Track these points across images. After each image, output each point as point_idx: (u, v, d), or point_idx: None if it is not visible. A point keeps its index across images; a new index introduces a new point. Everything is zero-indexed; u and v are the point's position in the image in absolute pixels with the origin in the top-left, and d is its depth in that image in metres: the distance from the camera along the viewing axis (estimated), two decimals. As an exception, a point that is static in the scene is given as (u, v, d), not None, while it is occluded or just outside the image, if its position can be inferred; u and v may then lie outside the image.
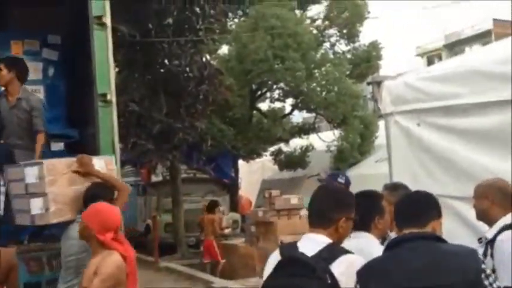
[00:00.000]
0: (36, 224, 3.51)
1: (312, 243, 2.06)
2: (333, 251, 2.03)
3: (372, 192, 2.75)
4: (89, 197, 3.29)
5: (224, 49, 15.22)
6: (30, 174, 3.46)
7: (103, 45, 4.23)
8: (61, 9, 4.84)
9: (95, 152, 4.27)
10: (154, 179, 14.03)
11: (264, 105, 16.47)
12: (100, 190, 3.42)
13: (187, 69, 10.55)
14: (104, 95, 4.21)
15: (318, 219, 2.16)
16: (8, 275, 2.51)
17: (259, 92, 15.56)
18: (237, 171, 15.62)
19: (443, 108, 3.86)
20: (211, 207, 10.28)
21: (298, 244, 2.11)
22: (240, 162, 15.75)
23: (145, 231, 13.40)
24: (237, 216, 13.62)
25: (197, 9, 10.34)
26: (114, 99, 4.29)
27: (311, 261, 1.96)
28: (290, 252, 2.06)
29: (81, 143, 4.83)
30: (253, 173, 17.84)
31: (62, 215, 3.43)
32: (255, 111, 15.60)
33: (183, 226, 12.08)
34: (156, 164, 12.10)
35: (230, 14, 14.75)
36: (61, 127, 4.89)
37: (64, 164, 3.54)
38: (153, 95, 11.06)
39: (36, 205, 3.41)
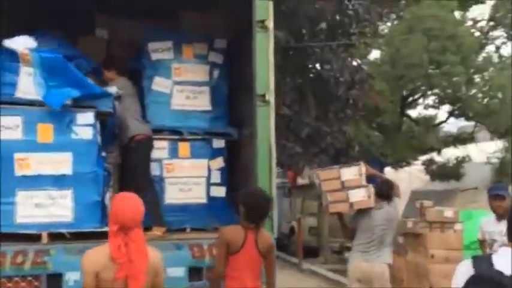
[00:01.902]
0: (355, 207, 4.87)
1: (509, 261, 1.86)
2: None
3: None
4: (383, 192, 4.88)
5: (375, 53, 14.89)
6: (348, 172, 4.87)
7: (264, 47, 4.39)
8: (227, 14, 5.15)
9: (252, 150, 4.46)
10: (300, 181, 14.22)
11: (414, 112, 15.74)
12: (386, 187, 4.93)
13: (338, 73, 10.49)
14: (263, 96, 4.37)
15: None
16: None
17: (411, 98, 14.89)
18: (384, 179, 15.11)
19: None
20: None
21: (494, 259, 1.90)
22: (387, 169, 15.22)
23: (290, 232, 13.65)
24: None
25: (351, 13, 10.25)
26: (272, 100, 4.44)
27: (508, 284, 1.77)
28: (484, 269, 1.87)
29: (240, 142, 5.08)
30: (399, 182, 17.06)
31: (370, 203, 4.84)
32: (405, 118, 14.97)
33: (328, 230, 12.03)
34: (303, 167, 12.25)
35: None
36: (223, 126, 5.18)
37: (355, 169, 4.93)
38: (303, 99, 11.25)
39: (355, 195, 4.80)
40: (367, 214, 4.86)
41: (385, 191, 4.94)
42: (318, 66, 11.16)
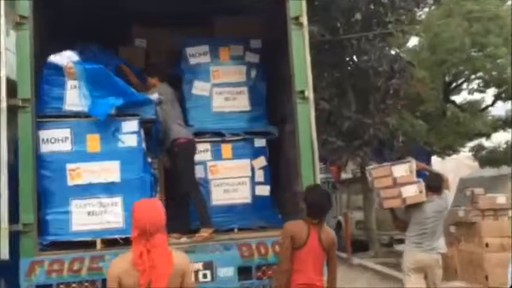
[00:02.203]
0: (408, 203, 5.00)
1: None
2: None
3: None
4: (433, 185, 4.98)
5: (414, 40, 14.54)
6: (399, 169, 5.08)
7: (300, 43, 4.40)
8: (260, 14, 5.17)
9: (294, 147, 4.46)
10: (344, 176, 14.08)
11: (458, 98, 15.27)
12: (435, 180, 5.03)
13: (377, 64, 10.31)
14: (302, 92, 4.37)
15: None
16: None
17: (454, 84, 14.47)
18: (430, 168, 14.76)
19: None
20: None
21: None
22: (434, 158, 14.84)
23: (337, 227, 13.54)
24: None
25: (386, 1, 10.05)
26: (311, 96, 4.43)
27: None
28: None
29: (281, 139, 5.09)
30: (447, 171, 16.61)
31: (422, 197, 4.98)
32: (449, 104, 14.56)
33: (376, 224, 11.86)
34: (346, 161, 12.12)
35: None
36: (263, 125, 5.22)
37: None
38: (342, 93, 11.13)
39: (407, 191, 4.98)
40: (419, 207, 4.99)
41: (435, 184, 5.06)
42: (355, 58, 11.01)
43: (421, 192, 4.96)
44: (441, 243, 5.29)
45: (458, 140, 13.81)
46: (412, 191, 4.97)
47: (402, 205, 5.10)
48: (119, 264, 2.65)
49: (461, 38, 11.86)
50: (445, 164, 16.10)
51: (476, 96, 14.58)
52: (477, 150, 13.96)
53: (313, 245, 3.54)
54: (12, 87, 3.90)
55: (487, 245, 7.47)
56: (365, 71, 10.50)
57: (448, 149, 14.10)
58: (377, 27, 10.36)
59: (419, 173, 5.14)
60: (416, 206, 4.99)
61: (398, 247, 11.43)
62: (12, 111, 3.85)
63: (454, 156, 15.09)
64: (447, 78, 13.91)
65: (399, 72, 10.61)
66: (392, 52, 11.22)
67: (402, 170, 5.07)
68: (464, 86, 14.41)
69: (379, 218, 11.85)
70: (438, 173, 5.36)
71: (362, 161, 12.05)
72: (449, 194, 5.63)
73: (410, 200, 5.00)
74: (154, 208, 2.70)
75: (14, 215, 3.75)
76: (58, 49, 4.29)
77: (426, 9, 14.77)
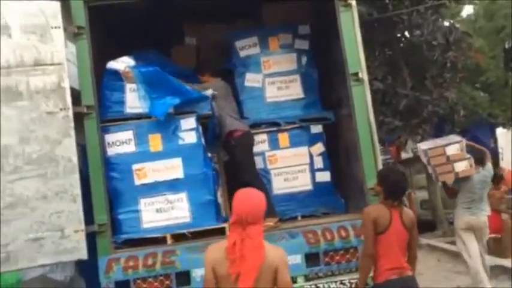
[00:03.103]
0: (460, 176, 5.81)
1: None
2: None
3: None
4: (479, 159, 5.95)
5: (468, 9, 13.91)
6: (452, 148, 5.86)
7: (350, 25, 4.33)
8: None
9: (352, 131, 4.42)
10: (404, 155, 13.75)
11: (522, 64, 14.45)
12: (480, 155, 6.02)
13: (430, 37, 9.96)
14: (356, 74, 4.31)
15: None
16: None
17: (515, 50, 13.72)
18: (496, 141, 14.13)
19: None
20: (498, 179, 9.09)
21: None
22: (499, 130, 14.19)
23: (401, 209, 13.28)
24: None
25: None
26: (366, 77, 4.36)
27: None
28: None
29: (338, 124, 5.05)
30: (514, 142, 15.88)
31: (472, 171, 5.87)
32: (511, 73, 13.84)
33: (441, 202, 11.52)
34: (406, 141, 11.83)
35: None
36: (318, 111, 5.18)
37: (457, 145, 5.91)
38: (396, 71, 10.84)
39: (460, 166, 5.79)
40: (467, 178, 5.91)
41: (480, 158, 6.04)
42: (406, 34, 10.68)
43: (471, 166, 5.82)
44: (486, 207, 6.10)
45: (525, 109, 13.11)
46: (464, 166, 5.82)
47: (455, 178, 5.89)
48: (213, 252, 2.68)
49: (520, 1, 11.24)
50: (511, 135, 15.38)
51: (541, 60, 13.77)
52: (546, 118, 13.24)
53: (397, 227, 3.49)
54: (76, 96, 4.10)
55: None
56: (418, 45, 10.18)
57: (513, 120, 13.42)
58: (428, -1, 10.00)
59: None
60: (465, 177, 5.87)
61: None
62: (78, 118, 4.05)
63: (521, 126, 14.33)
64: (507, 45, 13.23)
65: (455, 43, 10.22)
66: (446, 23, 10.79)
67: (454, 148, 5.87)
68: (527, 51, 13.64)
69: (443, 197, 11.49)
70: (482, 149, 6.27)
71: (422, 139, 11.71)
72: (491, 166, 6.27)
73: (462, 174, 5.83)
74: (254, 198, 2.70)
75: (88, 217, 3.96)
76: (115, 55, 4.46)
77: (479, -25, 14.10)
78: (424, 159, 5.98)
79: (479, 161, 5.99)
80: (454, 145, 5.88)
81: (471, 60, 11.02)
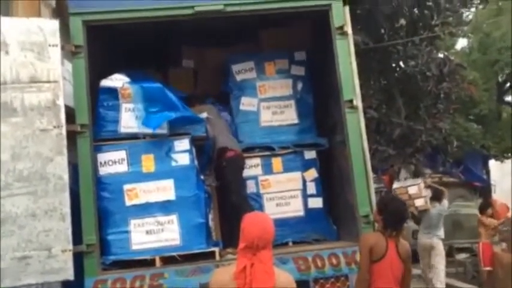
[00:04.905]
0: (419, 209, 8.14)
1: None
2: None
3: None
4: (436, 197, 8.19)
5: (462, 42, 14.15)
6: (413, 188, 8.30)
7: (346, 53, 4.38)
8: (303, 26, 5.20)
9: (346, 158, 4.42)
10: (394, 187, 13.73)
11: (515, 98, 14.64)
12: (437, 193, 8.21)
13: (425, 68, 10.08)
14: (351, 101, 4.34)
15: None
16: None
17: (508, 84, 13.92)
18: (488, 173, 14.19)
19: None
20: (483, 208, 9.25)
21: None
22: (492, 162, 14.28)
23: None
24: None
25: (431, 4, 9.84)
26: (360, 105, 4.39)
27: None
28: None
29: (332, 150, 5.05)
30: (507, 175, 15.96)
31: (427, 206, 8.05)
32: (504, 105, 14.00)
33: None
34: (399, 170, 11.84)
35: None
36: (312, 136, 5.20)
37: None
38: (390, 100, 10.91)
39: (418, 202, 8.12)
40: (426, 211, 8.08)
41: (437, 196, 8.15)
42: (401, 64, 10.80)
43: (426, 202, 8.05)
44: (441, 233, 8.03)
45: (517, 141, 13.20)
46: (421, 202, 8.09)
47: (416, 211, 8.03)
48: (220, 276, 2.62)
49: (514, 36, 11.44)
50: (504, 168, 15.46)
51: (533, 94, 13.98)
52: (538, 152, 13.33)
53: (392, 257, 3.47)
54: (70, 114, 4.09)
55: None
56: (413, 76, 10.28)
57: (506, 152, 13.51)
58: (423, 31, 10.15)
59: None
60: (425, 210, 8.06)
61: (459, 256, 11.00)
62: (71, 137, 4.03)
63: (514, 158, 14.42)
64: (500, 79, 13.44)
65: (449, 75, 10.33)
66: (441, 55, 10.94)
67: (415, 188, 8.25)
68: (520, 85, 13.85)
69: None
70: (439, 188, 8.36)
71: (415, 169, 11.74)
72: (447, 202, 8.15)
73: (420, 208, 8.11)
74: (265, 222, 2.64)
75: (76, 237, 3.90)
76: (111, 74, 4.47)
77: (473, 10, 14.38)
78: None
79: (436, 198, 8.07)
80: (415, 186, 8.31)
81: (465, 92, 11.13)
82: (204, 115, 4.73)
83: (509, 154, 13.66)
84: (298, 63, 5.30)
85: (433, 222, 7.92)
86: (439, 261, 7.89)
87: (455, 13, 10.64)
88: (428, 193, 8.30)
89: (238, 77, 5.25)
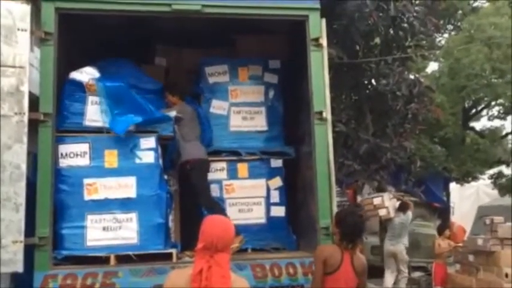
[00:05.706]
0: (383, 219, 9.14)
1: None
2: None
3: None
4: (400, 208, 9.08)
5: (433, 66, 14.50)
6: (377, 200, 9.02)
7: (319, 65, 4.41)
8: (280, 35, 5.22)
9: (311, 168, 4.43)
10: (360, 200, 13.90)
11: (478, 124, 15.10)
12: (402, 205, 9.18)
13: (395, 88, 10.26)
14: (320, 113, 4.36)
15: None
16: None
17: (473, 110, 14.33)
18: (448, 195, 14.53)
19: None
20: (442, 229, 9.48)
21: None
22: (452, 185, 14.63)
23: (351, 252, 13.32)
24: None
25: (406, 26, 10.05)
26: (329, 118, 4.41)
27: None
28: None
29: (298, 160, 5.07)
30: (466, 199, 16.37)
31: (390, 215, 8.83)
32: (468, 131, 14.40)
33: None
34: (363, 185, 11.98)
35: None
36: (280, 145, 5.21)
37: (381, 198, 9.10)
38: (360, 116, 11.06)
39: (381, 212, 8.90)
40: (391, 220, 8.97)
41: (402, 207, 9.13)
42: (373, 81, 10.98)
43: (389, 213, 8.87)
44: (404, 240, 8.96)
45: (478, 167, 13.60)
46: (384, 212, 8.92)
47: (379, 220, 9.12)
48: (175, 278, 2.53)
49: (482, 64, 11.80)
50: (464, 191, 15.86)
51: (496, 123, 14.45)
52: (497, 178, 13.75)
53: (346, 270, 3.43)
54: (34, 102, 3.96)
55: (506, 275, 7.25)
56: (383, 94, 10.44)
57: (467, 176, 13.88)
58: (396, 51, 10.34)
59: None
60: (390, 219, 8.95)
61: (414, 274, 11.18)
62: (33, 125, 3.91)
63: (473, 183, 14.84)
64: (467, 104, 13.82)
65: (418, 96, 10.53)
66: (412, 76, 11.16)
67: (379, 200, 9.04)
68: (484, 112, 14.29)
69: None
70: (405, 201, 9.32)
71: (379, 185, 11.90)
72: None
73: (383, 217, 9.06)
74: (226, 224, 2.60)
75: (29, 229, 3.77)
76: (82, 65, 4.37)
77: (446, 35, 14.79)
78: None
79: (402, 209, 9.05)
80: (379, 198, 9.15)
81: (432, 114, 11.38)
82: (173, 113, 4.66)
83: (470, 178, 14.04)
84: (272, 71, 5.31)
85: (396, 231, 8.83)
86: (403, 265, 8.97)
87: (429, 37, 10.89)
88: (392, 203, 9.10)
89: (211, 80, 5.22)
